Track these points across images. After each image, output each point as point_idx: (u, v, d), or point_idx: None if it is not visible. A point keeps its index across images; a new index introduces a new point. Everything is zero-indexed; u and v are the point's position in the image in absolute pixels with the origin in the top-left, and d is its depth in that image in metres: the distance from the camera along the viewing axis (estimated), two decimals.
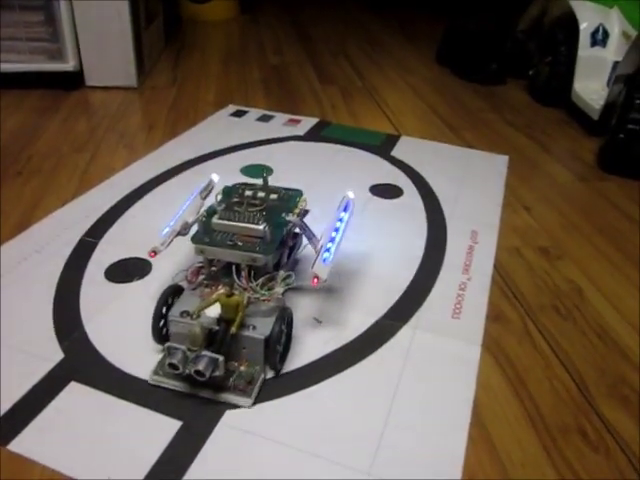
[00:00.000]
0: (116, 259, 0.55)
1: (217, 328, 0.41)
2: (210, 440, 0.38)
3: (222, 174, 0.72)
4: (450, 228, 0.64)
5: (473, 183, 0.75)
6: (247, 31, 1.54)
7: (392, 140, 0.86)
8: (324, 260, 0.44)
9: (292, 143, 0.83)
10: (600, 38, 0.98)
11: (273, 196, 0.50)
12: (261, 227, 0.44)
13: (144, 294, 0.50)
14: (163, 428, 0.38)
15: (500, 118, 1.01)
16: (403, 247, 0.60)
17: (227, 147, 0.80)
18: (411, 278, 0.55)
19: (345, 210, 0.49)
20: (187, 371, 0.39)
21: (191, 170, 0.73)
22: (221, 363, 0.39)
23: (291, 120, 0.91)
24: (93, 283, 0.52)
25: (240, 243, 0.44)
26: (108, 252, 0.57)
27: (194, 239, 0.45)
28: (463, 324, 0.50)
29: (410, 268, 0.56)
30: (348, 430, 0.39)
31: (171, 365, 0.39)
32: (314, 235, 0.47)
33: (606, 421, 0.42)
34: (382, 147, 0.83)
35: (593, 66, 0.97)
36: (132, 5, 1.01)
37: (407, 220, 0.65)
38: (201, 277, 0.46)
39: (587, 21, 0.98)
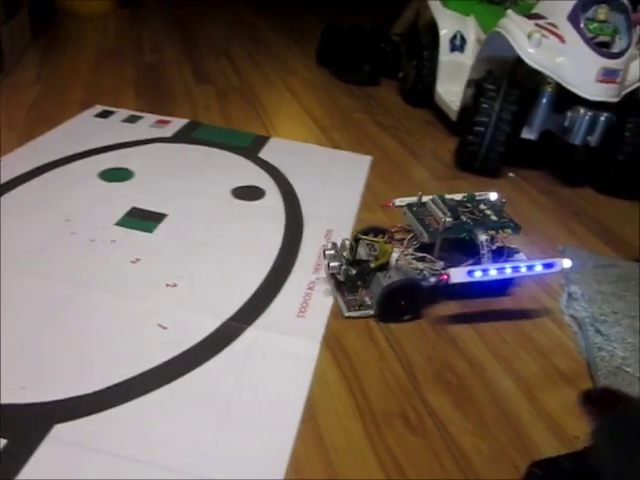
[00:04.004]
0: None
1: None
2: (35, 456, 0.37)
3: (79, 179, 0.71)
4: (307, 228, 0.66)
5: (335, 183, 0.78)
6: (126, 27, 1.50)
7: (261, 141, 0.88)
8: (470, 273, 0.51)
9: (157, 145, 0.82)
10: (458, 44, 1.05)
11: (493, 217, 0.57)
12: (442, 217, 0.54)
13: None
14: None
15: (370, 119, 1.05)
16: (258, 249, 0.61)
17: (87, 150, 0.77)
18: (262, 279, 0.57)
19: (547, 266, 0.54)
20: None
21: (43, 176, 0.70)
22: (343, 270, 0.53)
23: (160, 121, 0.90)
24: None
25: (427, 222, 0.55)
26: None
27: (407, 205, 0.58)
28: (307, 322, 0.52)
29: (262, 269, 0.58)
30: (180, 434, 0.40)
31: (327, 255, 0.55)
32: (488, 259, 0.54)
33: (428, 405, 0.45)
34: (250, 149, 0.84)
35: (453, 70, 1.03)
36: None
37: (265, 222, 0.66)
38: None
39: (446, 28, 1.05)
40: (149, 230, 0.62)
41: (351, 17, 1.57)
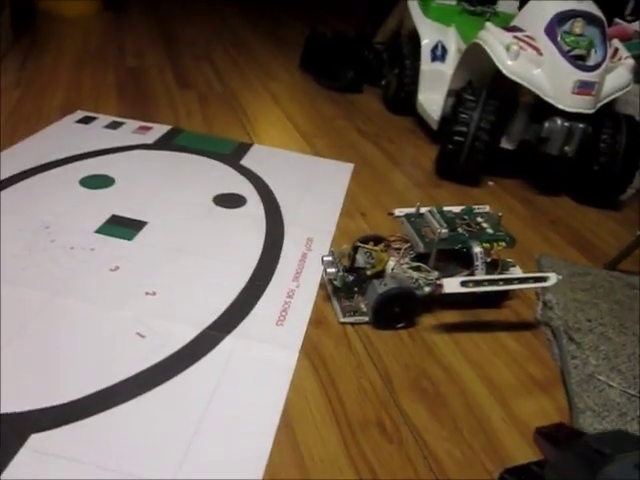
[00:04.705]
0: None
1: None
2: (12, 466, 0.37)
3: (59, 186, 0.71)
4: (287, 236, 0.67)
5: (316, 191, 0.78)
6: (108, 30, 1.49)
7: (243, 148, 0.88)
8: (463, 284, 0.52)
9: (139, 152, 0.82)
10: (439, 54, 1.06)
11: (489, 230, 0.59)
12: (438, 228, 0.55)
13: None
14: None
15: (352, 126, 1.06)
16: (238, 257, 0.62)
17: (68, 157, 0.77)
18: (242, 287, 0.57)
19: (538, 280, 0.57)
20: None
21: (23, 183, 0.70)
22: (340, 276, 0.55)
23: (141, 127, 0.90)
24: None
25: (423, 233, 0.57)
26: None
27: (405, 215, 0.60)
28: (286, 331, 0.52)
29: (242, 277, 0.58)
30: (157, 442, 0.40)
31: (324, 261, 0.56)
32: (482, 271, 0.56)
33: (404, 412, 0.46)
34: (232, 156, 0.85)
35: (434, 79, 1.05)
36: None
37: (246, 229, 0.67)
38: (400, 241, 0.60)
39: (428, 38, 1.06)
40: (129, 238, 0.62)
41: (334, 23, 1.58)
